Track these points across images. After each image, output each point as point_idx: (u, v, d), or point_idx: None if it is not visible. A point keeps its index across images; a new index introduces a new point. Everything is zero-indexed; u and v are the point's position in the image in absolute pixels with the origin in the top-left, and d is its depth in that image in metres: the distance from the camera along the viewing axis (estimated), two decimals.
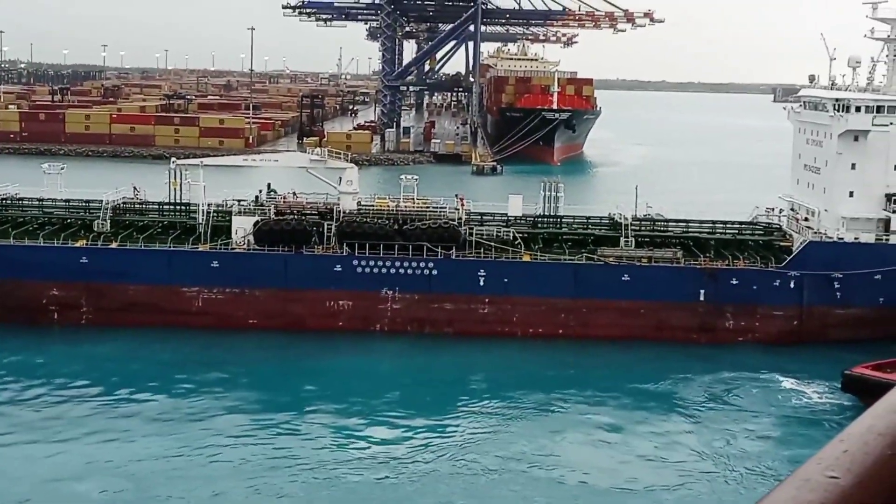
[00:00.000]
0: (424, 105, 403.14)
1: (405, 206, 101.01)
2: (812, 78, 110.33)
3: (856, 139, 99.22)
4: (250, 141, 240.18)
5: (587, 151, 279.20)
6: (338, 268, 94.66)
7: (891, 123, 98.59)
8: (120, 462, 62.87)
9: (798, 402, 78.44)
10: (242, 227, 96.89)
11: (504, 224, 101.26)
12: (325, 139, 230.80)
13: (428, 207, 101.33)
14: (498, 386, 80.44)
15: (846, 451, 3.02)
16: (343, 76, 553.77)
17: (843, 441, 3.07)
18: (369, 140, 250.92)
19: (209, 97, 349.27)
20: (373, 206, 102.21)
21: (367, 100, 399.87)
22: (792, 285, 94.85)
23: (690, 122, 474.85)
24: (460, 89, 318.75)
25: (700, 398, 78.96)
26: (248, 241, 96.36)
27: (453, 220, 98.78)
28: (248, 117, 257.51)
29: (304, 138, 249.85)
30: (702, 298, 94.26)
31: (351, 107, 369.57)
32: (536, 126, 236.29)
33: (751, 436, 71.28)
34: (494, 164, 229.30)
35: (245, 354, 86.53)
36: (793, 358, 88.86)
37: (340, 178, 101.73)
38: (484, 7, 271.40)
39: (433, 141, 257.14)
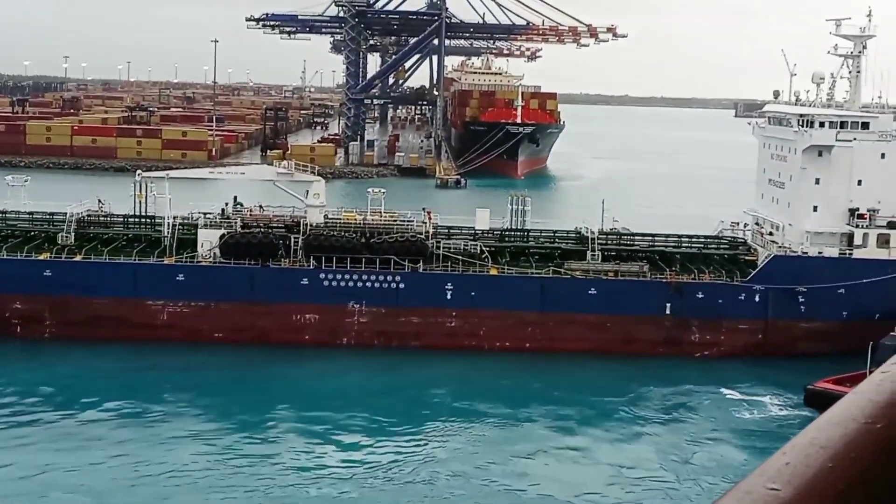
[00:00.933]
0: (388, 118, 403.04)
1: (372, 220, 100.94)
2: (776, 93, 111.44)
3: (820, 154, 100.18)
4: (213, 153, 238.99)
5: (551, 165, 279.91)
6: (304, 281, 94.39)
7: (854, 139, 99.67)
8: (79, 475, 62.45)
9: (761, 416, 79.01)
10: (208, 240, 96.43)
11: (471, 238, 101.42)
12: (289, 152, 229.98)
13: (395, 221, 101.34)
14: (463, 400, 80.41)
15: (788, 463, 3.07)
16: (307, 89, 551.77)
17: (785, 454, 3.12)
18: (333, 153, 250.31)
19: (172, 109, 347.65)
20: (340, 219, 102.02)
21: (331, 112, 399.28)
22: (757, 299, 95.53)
23: (653, 136, 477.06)
24: (424, 103, 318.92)
25: (664, 412, 79.43)
26: (215, 254, 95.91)
27: (420, 233, 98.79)
28: (211, 130, 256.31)
29: (268, 151, 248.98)
30: (668, 312, 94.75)
31: (322, 120, 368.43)
32: (500, 140, 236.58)
33: (712, 449, 71.79)
34: (458, 177, 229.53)
35: (210, 368, 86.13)
36: (757, 372, 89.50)
37: (307, 192, 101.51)
38: (448, 21, 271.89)
39: (397, 154, 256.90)
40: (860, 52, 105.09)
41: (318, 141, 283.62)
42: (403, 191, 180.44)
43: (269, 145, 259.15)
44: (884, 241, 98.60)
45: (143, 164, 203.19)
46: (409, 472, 64.97)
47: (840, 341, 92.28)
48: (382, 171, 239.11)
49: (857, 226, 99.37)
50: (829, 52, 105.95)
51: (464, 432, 73.48)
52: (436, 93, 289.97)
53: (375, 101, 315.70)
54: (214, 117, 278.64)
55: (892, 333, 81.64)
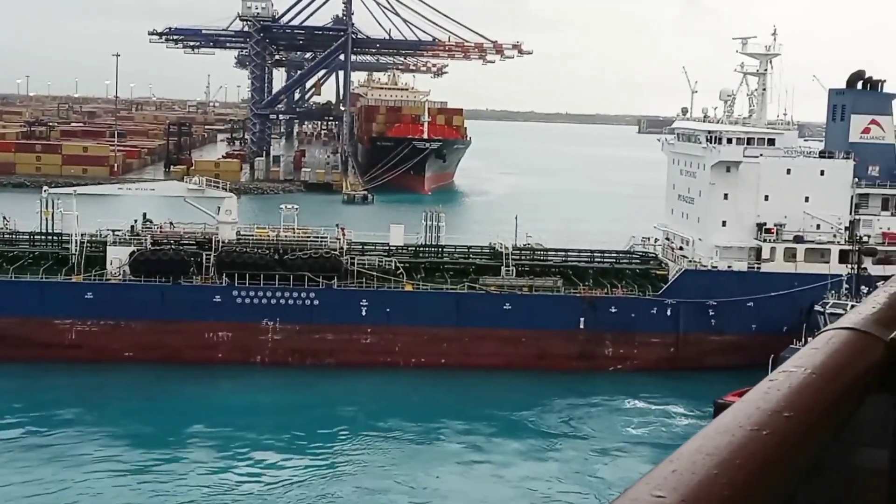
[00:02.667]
0: (294, 134, 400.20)
1: (285, 236, 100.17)
2: (685, 110, 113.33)
3: (728, 170, 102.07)
4: (115, 169, 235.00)
5: (458, 181, 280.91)
6: (217, 298, 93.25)
7: (761, 155, 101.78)
8: None
9: (671, 429, 79.92)
10: (118, 258, 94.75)
11: (386, 254, 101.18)
12: (193, 167, 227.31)
13: (309, 237, 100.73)
14: (377, 416, 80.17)
15: (675, 470, 3.16)
16: (211, 104, 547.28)
17: (672, 461, 3.22)
18: (238, 169, 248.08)
19: (73, 124, 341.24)
20: (252, 235, 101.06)
21: (236, 127, 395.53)
22: (668, 313, 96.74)
23: (558, 152, 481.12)
24: (331, 118, 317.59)
25: (575, 426, 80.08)
26: (124, 271, 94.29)
27: (334, 249, 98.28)
28: (113, 145, 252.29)
29: (171, 167, 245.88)
30: (582, 326, 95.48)
31: (240, 135, 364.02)
32: (407, 155, 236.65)
33: (621, 462, 72.54)
34: (365, 192, 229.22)
35: (120, 388, 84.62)
36: (669, 385, 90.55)
37: (219, 208, 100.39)
38: (354, 37, 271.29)
39: (303, 170, 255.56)
40: (766, 69, 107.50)
41: (223, 156, 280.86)
42: (310, 206, 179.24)
43: (173, 161, 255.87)
44: (791, 255, 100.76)
45: (42, 179, 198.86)
46: (317, 490, 64.71)
47: (750, 354, 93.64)
48: (289, 187, 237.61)
49: (765, 240, 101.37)
50: (735, 70, 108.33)
51: (375, 449, 73.38)
52: (342, 108, 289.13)
53: (281, 117, 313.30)
54: (116, 132, 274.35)
55: (791, 346, 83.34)
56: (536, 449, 74.73)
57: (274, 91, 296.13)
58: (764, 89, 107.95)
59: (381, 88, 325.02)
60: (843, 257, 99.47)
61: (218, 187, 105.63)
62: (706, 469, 3.14)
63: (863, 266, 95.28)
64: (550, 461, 72.36)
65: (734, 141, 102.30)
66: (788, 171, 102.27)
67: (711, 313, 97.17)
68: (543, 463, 71.95)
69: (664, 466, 3.18)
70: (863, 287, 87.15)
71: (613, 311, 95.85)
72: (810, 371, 3.83)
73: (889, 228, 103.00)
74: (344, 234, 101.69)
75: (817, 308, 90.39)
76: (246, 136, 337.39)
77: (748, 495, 3.15)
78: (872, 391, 4.10)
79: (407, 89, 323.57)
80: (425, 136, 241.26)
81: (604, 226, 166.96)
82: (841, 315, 4.50)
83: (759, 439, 3.33)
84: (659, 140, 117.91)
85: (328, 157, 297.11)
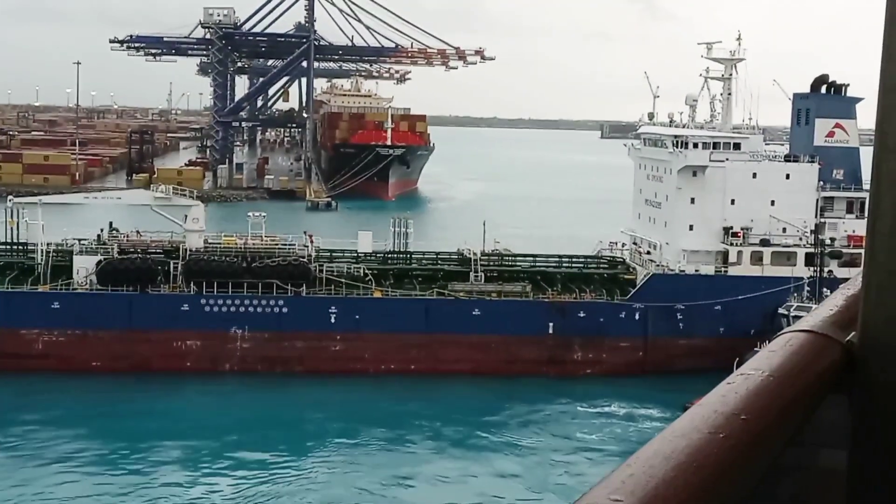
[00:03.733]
0: (257, 141, 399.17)
1: (253, 244, 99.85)
2: (651, 115, 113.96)
3: (694, 174, 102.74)
4: (77, 178, 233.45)
5: (422, 187, 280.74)
6: (185, 307, 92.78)
7: (727, 159, 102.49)
8: None
9: (640, 433, 79.96)
10: (84, 267, 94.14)
11: (354, 260, 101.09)
12: (156, 176, 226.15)
13: (277, 245, 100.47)
14: (347, 424, 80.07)
15: (632, 474, 3.16)
16: (173, 111, 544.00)
17: (629, 465, 3.23)
18: (201, 176, 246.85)
19: (33, 133, 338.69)
20: (220, 243, 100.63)
21: (198, 135, 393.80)
22: (637, 317, 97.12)
23: (522, 158, 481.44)
24: (294, 125, 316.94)
25: (543, 431, 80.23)
26: (91, 280, 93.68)
27: (303, 257, 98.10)
28: (74, 153, 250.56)
29: (134, 175, 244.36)
30: (551, 331, 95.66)
31: (208, 142, 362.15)
32: (371, 162, 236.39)
33: (590, 468, 72.48)
34: (329, 199, 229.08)
35: (88, 398, 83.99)
36: (638, 389, 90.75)
37: (186, 216, 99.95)
38: (316, 43, 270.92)
39: (267, 177, 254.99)
40: (731, 74, 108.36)
41: (186, 164, 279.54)
42: (274, 213, 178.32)
43: (135, 169, 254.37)
44: (757, 259, 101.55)
45: (3, 189, 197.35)
46: (287, 498, 64.61)
47: (718, 357, 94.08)
48: (252, 195, 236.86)
49: (732, 244, 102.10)
50: (700, 75, 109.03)
51: (344, 456, 73.31)
52: (305, 115, 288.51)
53: (244, 124, 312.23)
54: (78, 141, 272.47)
55: (754, 349, 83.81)
56: (504, 455, 74.85)
57: (237, 98, 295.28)
58: (729, 94, 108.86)
59: (344, 95, 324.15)
60: (810, 260, 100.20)
61: (185, 195, 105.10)
62: (663, 472, 3.16)
63: (829, 269, 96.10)
64: (518, 466, 72.45)
65: (700, 145, 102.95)
66: (754, 175, 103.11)
67: (679, 317, 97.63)
68: (511, 468, 72.01)
69: (621, 470, 3.19)
70: (825, 290, 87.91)
71: (582, 315, 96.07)
72: (767, 374, 3.85)
73: (854, 231, 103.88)
74: (312, 242, 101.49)
75: (781, 311, 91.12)
76: (213, 143, 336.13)
77: (705, 498, 3.18)
78: (829, 393, 4.14)
79: (370, 96, 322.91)
80: (388, 142, 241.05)
81: (570, 230, 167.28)
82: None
83: (715, 442, 3.36)
84: (625, 145, 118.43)
85: (291, 164, 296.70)
